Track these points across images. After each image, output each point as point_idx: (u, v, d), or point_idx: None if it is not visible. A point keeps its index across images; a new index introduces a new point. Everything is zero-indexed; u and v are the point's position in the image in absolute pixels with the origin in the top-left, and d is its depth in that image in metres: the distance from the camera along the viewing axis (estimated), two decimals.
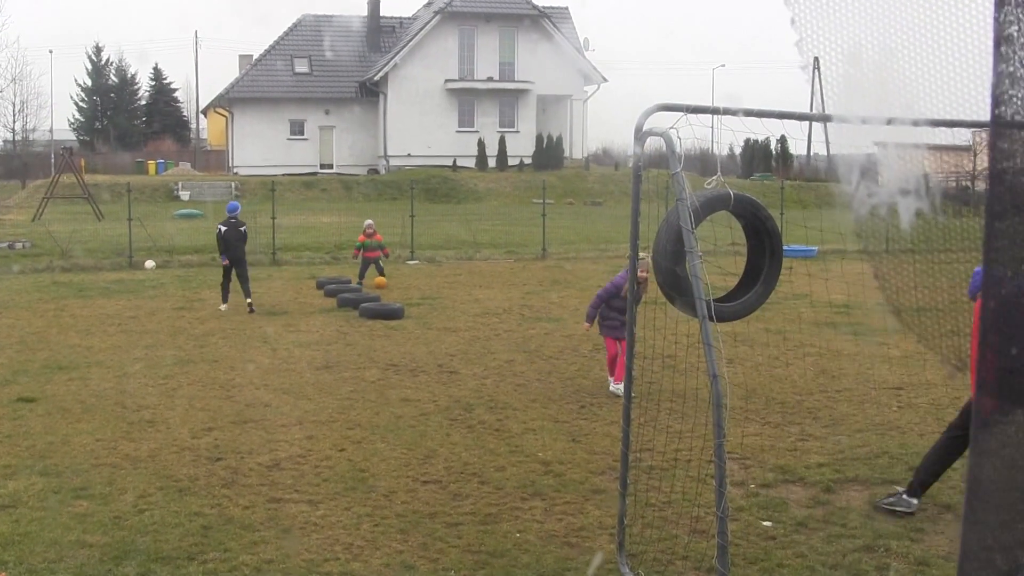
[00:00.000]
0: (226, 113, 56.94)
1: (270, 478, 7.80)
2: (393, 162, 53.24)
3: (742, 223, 5.95)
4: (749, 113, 5.25)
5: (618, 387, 10.37)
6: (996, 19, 2.30)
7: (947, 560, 6.13)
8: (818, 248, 25.31)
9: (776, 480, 7.78)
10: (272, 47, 57.41)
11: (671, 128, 5.19)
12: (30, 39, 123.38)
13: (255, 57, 59.91)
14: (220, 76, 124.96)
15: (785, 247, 6.44)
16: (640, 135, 5.48)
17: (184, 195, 46.72)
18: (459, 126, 54.22)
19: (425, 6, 60.16)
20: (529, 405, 10.20)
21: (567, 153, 54.53)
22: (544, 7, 55.48)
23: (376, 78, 53.93)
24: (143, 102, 76.86)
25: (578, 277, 21.28)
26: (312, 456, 8.38)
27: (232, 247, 16.44)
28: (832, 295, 18.30)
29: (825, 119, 5.40)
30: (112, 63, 75.36)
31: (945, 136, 4.63)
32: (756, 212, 5.85)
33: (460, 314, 16.19)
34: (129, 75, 75.80)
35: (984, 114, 2.54)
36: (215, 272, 17.25)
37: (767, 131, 48.73)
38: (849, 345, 13.45)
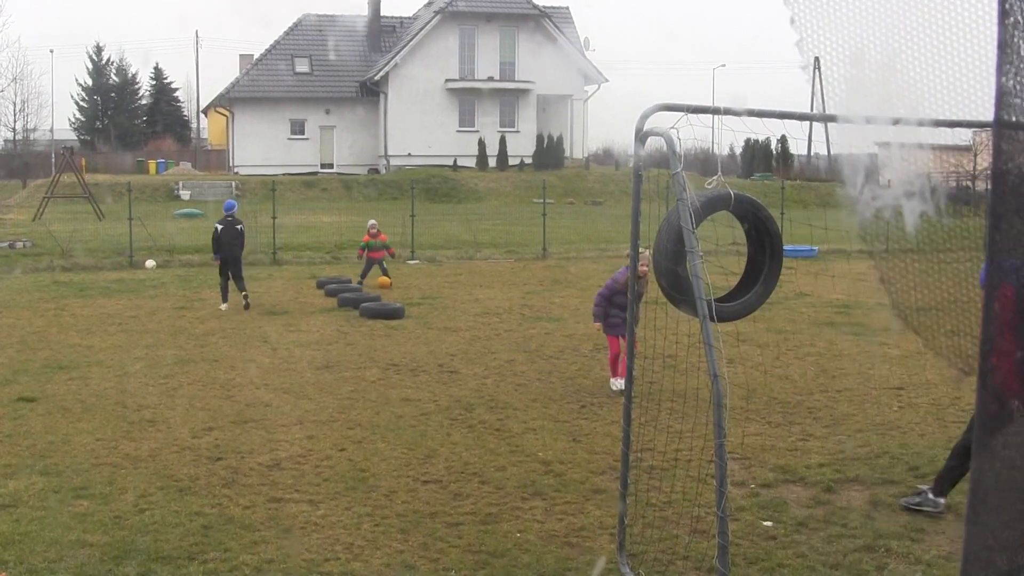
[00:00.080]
0: (227, 113, 56.95)
1: (270, 478, 7.80)
2: (394, 162, 53.25)
3: (742, 223, 5.95)
4: (750, 113, 5.24)
5: (618, 381, 10.36)
6: (1000, 23, 2.29)
7: (948, 560, 6.12)
8: (818, 248, 25.32)
9: (777, 480, 7.78)
10: (273, 47, 57.42)
11: (672, 128, 5.19)
12: (31, 38, 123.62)
13: (256, 57, 59.91)
14: (221, 76, 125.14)
15: (785, 247, 6.44)
16: (641, 135, 5.47)
17: (185, 195, 46.74)
18: (460, 126, 54.22)
19: (426, 6, 60.16)
20: (530, 405, 10.19)
21: (567, 153, 54.53)
22: (545, 7, 55.49)
23: (377, 78, 53.93)
24: (144, 102, 76.88)
25: (578, 277, 21.28)
26: (312, 456, 8.38)
27: (228, 245, 16.49)
28: (832, 295, 18.30)
29: (827, 119, 5.40)
30: (113, 63, 75.44)
31: (946, 136, 4.62)
32: (757, 212, 5.85)
33: (461, 314, 16.18)
34: (130, 75, 75.89)
35: (986, 114, 2.53)
36: (215, 272, 17.26)
37: (767, 131, 48.83)
38: (850, 345, 13.44)
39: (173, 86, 77.87)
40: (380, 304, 16.19)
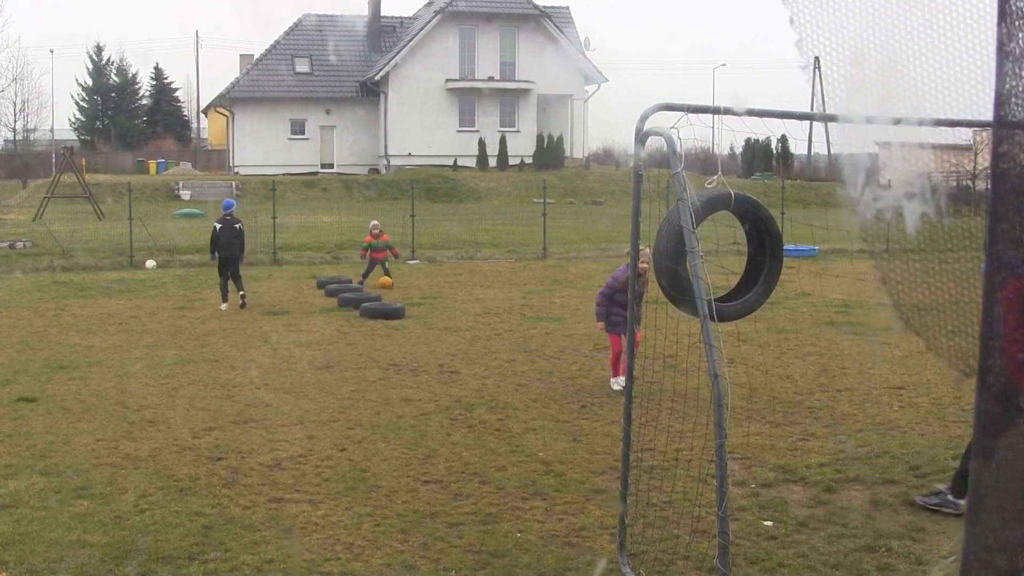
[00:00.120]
0: (227, 113, 56.95)
1: (271, 478, 7.80)
2: (394, 162, 53.24)
3: (743, 223, 5.95)
4: (750, 113, 5.24)
5: (619, 381, 10.37)
6: (999, 23, 2.30)
7: (948, 560, 6.12)
8: (818, 248, 25.32)
9: (777, 480, 7.77)
10: (273, 47, 57.41)
11: (672, 128, 5.18)
12: (31, 39, 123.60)
13: (256, 57, 59.90)
14: (221, 76, 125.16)
15: (786, 247, 6.44)
16: (641, 135, 5.47)
17: (185, 195, 46.74)
18: (460, 126, 54.21)
19: (426, 6, 60.15)
20: (530, 405, 10.19)
21: (568, 153, 54.52)
22: (545, 7, 55.48)
23: (377, 78, 53.93)
24: (144, 102, 76.86)
25: (579, 277, 21.28)
26: (313, 456, 8.38)
27: (227, 244, 16.53)
28: (833, 294, 18.30)
29: (828, 119, 5.40)
30: (113, 63, 75.42)
31: (947, 136, 4.62)
32: (757, 212, 5.85)
33: (461, 314, 16.19)
34: (130, 75, 75.86)
35: (987, 114, 2.53)
36: (215, 272, 17.27)
37: (768, 131, 48.82)
38: (850, 344, 13.44)
39: (173, 86, 77.92)
40: (380, 304, 16.19)
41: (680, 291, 5.47)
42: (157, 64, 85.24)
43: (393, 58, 53.81)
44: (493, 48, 54.48)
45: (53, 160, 54.15)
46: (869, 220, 3.76)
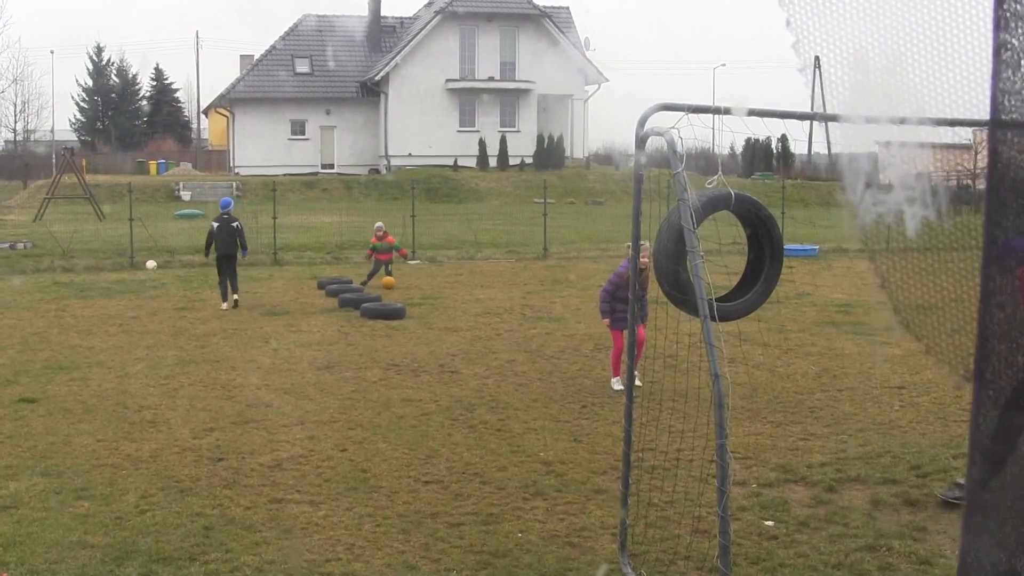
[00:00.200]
0: (227, 113, 56.94)
1: (272, 478, 7.80)
2: (394, 162, 53.23)
3: (744, 226, 5.95)
4: (751, 113, 5.24)
5: (620, 380, 10.38)
6: (995, 29, 2.30)
7: (949, 560, 6.12)
8: (819, 248, 25.31)
9: (778, 480, 7.77)
10: (273, 47, 57.39)
11: (672, 128, 5.18)
12: (31, 39, 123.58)
13: (256, 57, 59.90)
14: (221, 76, 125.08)
15: (786, 246, 6.44)
16: (642, 135, 5.47)
17: (185, 195, 46.73)
18: (460, 126, 54.19)
19: (426, 6, 60.13)
20: (531, 405, 10.19)
21: (568, 153, 54.50)
22: (546, 7, 55.47)
23: (377, 78, 53.91)
24: (144, 102, 76.85)
25: (579, 276, 21.28)
26: (314, 456, 8.38)
27: (224, 243, 16.57)
28: (834, 294, 18.29)
29: (828, 119, 5.39)
30: (113, 63, 75.38)
31: (948, 136, 4.62)
32: (757, 212, 5.85)
33: (461, 314, 16.19)
34: (130, 75, 75.82)
35: (987, 114, 2.54)
36: (215, 272, 17.28)
37: (768, 130, 48.75)
38: (851, 344, 13.44)
39: (174, 87, 77.84)
40: (381, 304, 16.20)
41: (680, 291, 5.47)
42: (157, 65, 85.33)
43: (393, 58, 53.80)
44: (493, 48, 54.46)
45: (53, 161, 54.16)
46: (869, 224, 3.76)
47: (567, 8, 61.80)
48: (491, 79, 54.10)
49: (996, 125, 2.31)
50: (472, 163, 52.53)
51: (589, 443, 8.82)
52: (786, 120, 5.58)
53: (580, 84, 55.84)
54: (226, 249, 16.64)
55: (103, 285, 19.85)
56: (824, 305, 16.95)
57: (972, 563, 2.60)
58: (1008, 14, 2.29)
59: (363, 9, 61.02)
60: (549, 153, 52.76)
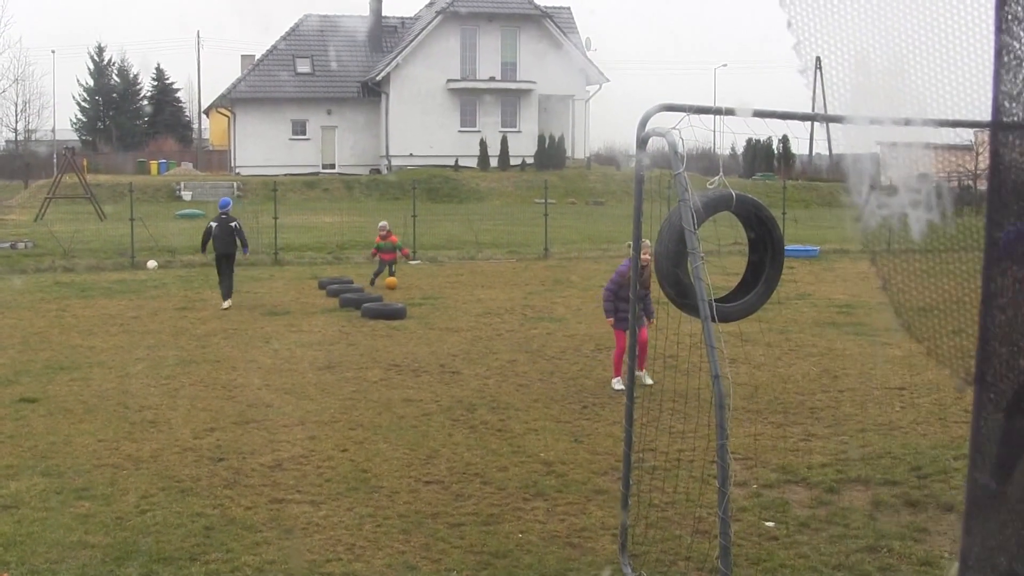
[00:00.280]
0: (228, 113, 56.98)
1: (272, 479, 7.80)
2: (395, 162, 53.24)
3: (746, 228, 5.95)
4: (752, 113, 5.24)
5: (621, 380, 10.39)
6: (996, 32, 2.30)
7: (950, 561, 6.11)
8: (819, 248, 25.30)
9: (779, 480, 7.77)
10: (274, 47, 57.42)
11: (674, 128, 5.18)
12: (32, 39, 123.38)
13: (257, 57, 59.92)
14: (222, 76, 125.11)
15: (787, 247, 6.44)
16: (643, 136, 5.47)
17: (186, 195, 46.76)
18: (461, 126, 54.20)
19: (427, 6, 60.15)
20: (531, 405, 10.19)
21: (569, 153, 54.51)
22: (547, 7, 55.48)
23: (378, 78, 53.94)
24: (145, 102, 76.88)
25: (580, 277, 21.28)
26: (314, 456, 8.38)
27: (223, 242, 16.60)
28: (835, 294, 18.29)
29: (830, 119, 5.39)
30: (114, 63, 75.41)
31: (950, 136, 4.61)
32: (758, 212, 5.85)
33: (462, 314, 16.19)
34: (131, 75, 75.85)
35: (987, 116, 2.54)
36: (216, 272, 17.28)
37: (769, 131, 48.79)
38: (852, 345, 13.43)
39: (175, 86, 77.88)
40: (382, 304, 16.20)
41: (681, 292, 5.47)
42: (158, 65, 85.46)
43: (394, 58, 53.82)
44: (494, 48, 54.48)
45: (54, 161, 54.18)
46: (873, 227, 3.76)
47: (568, 8, 61.84)
48: (492, 79, 54.12)
49: (997, 128, 2.31)
50: (473, 163, 52.53)
51: (590, 444, 8.82)
52: (787, 120, 5.58)
53: (581, 84, 55.85)
54: (225, 249, 16.68)
55: (104, 285, 19.86)
56: (825, 306, 16.95)
57: (973, 565, 2.60)
58: (1009, 17, 2.29)
59: (364, 9, 61.07)
60: (550, 153, 52.77)
